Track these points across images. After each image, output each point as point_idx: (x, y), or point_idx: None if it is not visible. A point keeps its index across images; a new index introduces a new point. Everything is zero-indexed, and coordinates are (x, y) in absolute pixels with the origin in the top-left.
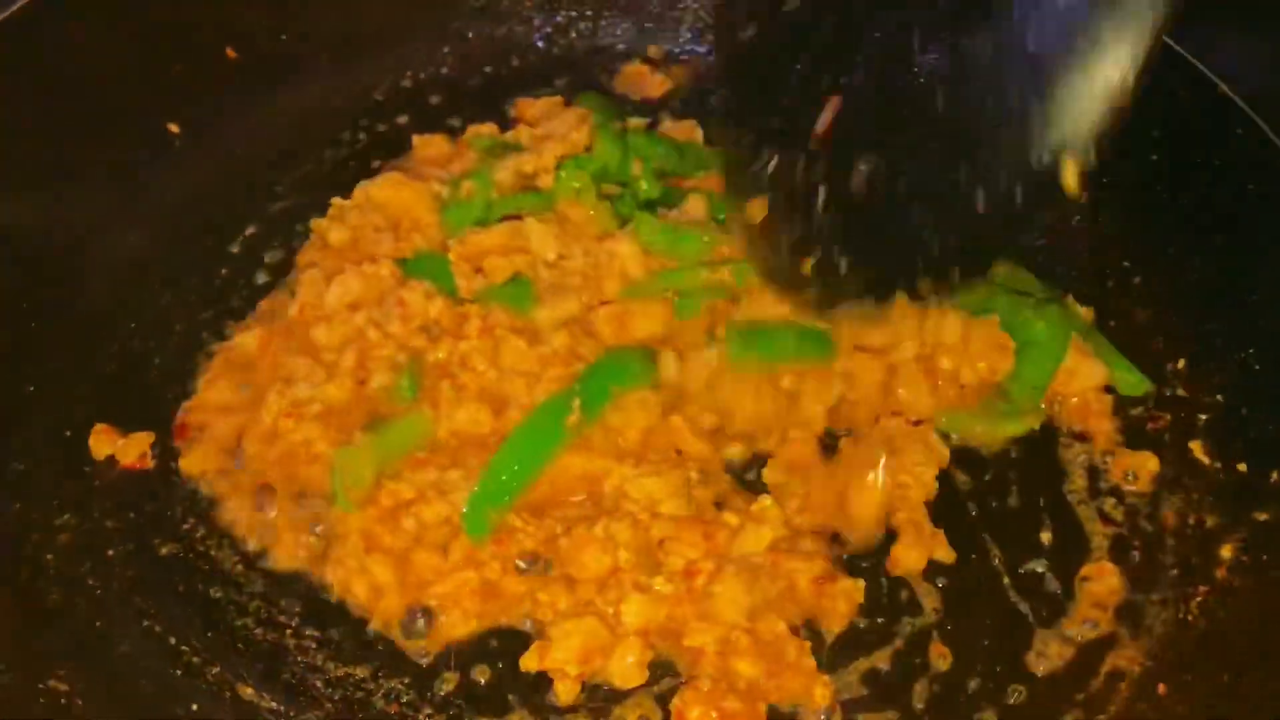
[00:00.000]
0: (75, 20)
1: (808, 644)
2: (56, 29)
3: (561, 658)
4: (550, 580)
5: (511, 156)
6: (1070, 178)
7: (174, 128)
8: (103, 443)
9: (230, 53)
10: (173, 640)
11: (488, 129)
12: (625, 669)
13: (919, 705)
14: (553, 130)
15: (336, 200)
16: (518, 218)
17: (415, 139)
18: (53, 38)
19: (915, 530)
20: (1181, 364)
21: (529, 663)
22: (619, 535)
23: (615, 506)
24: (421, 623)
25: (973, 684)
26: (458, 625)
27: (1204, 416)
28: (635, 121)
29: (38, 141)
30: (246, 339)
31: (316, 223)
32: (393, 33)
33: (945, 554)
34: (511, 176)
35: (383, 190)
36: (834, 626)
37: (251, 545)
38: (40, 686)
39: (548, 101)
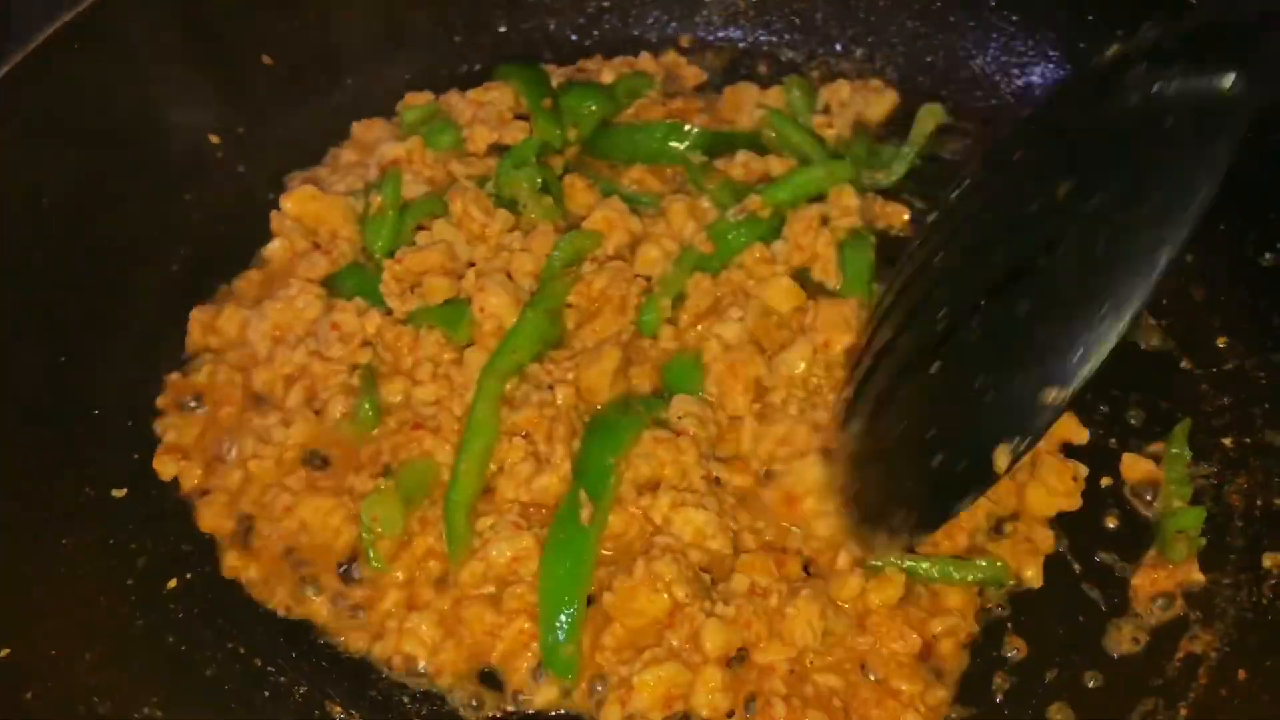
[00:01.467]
0: (115, 36)
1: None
2: (94, 49)
3: (646, 702)
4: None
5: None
6: (1001, 461)
7: (214, 139)
8: (167, 465)
9: (267, 59)
10: (258, 662)
11: (421, 98)
12: (711, 699)
13: (997, 698)
14: (487, 101)
15: (274, 214)
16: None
17: (354, 125)
18: (88, 60)
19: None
20: (1226, 341)
21: (611, 715)
22: (665, 574)
23: (648, 546)
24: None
25: (1049, 675)
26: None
27: (1265, 395)
28: (558, 74)
29: (81, 160)
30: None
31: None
32: (425, 30)
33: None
34: (426, 184)
35: (297, 204)
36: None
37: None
38: (135, 716)
39: None
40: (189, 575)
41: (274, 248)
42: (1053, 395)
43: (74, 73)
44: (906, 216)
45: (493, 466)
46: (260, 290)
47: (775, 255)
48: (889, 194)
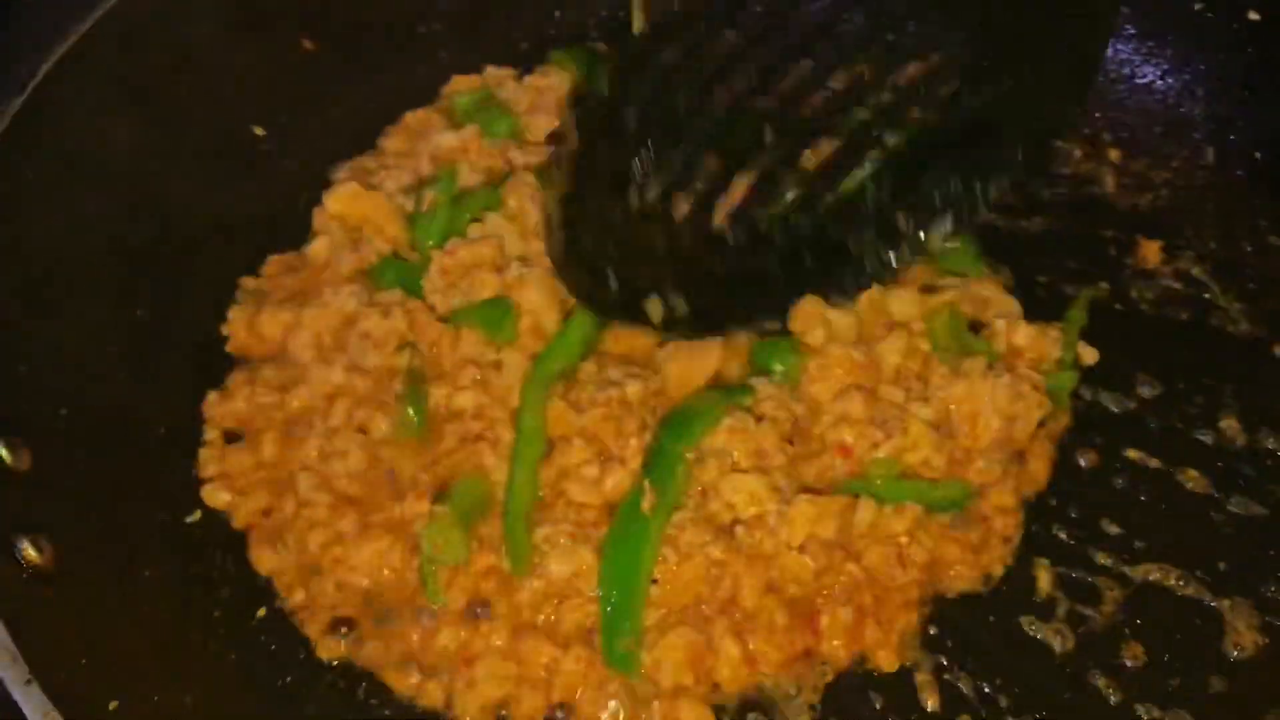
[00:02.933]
0: (151, 30)
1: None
2: (133, 43)
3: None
4: None
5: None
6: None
7: (259, 130)
8: (218, 495)
9: (307, 44)
10: (360, 695)
11: (468, 83)
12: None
13: (1114, 699)
14: (542, 88)
15: (316, 210)
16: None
17: (407, 115)
18: (126, 56)
19: None
20: None
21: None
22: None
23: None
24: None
25: (1173, 681)
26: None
27: None
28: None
29: (128, 158)
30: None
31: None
32: (467, 18)
33: None
34: (483, 174)
35: (339, 202)
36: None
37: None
38: None
39: None
40: (279, 605)
41: (316, 247)
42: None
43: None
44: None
45: (553, 472)
46: (302, 285)
47: None
48: None
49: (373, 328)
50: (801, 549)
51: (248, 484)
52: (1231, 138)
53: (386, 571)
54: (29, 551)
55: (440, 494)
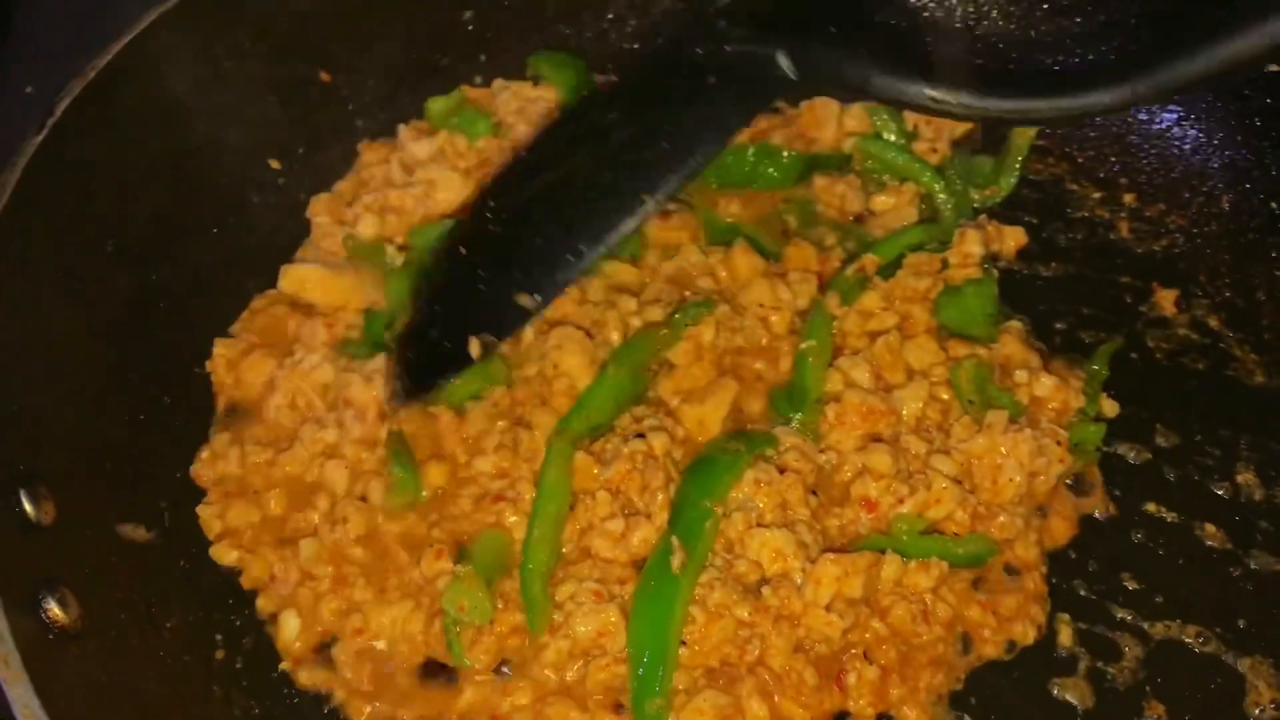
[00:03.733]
0: (165, 63)
1: None
2: (145, 81)
3: None
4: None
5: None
6: (474, 348)
7: (275, 164)
8: (225, 553)
9: (325, 76)
10: None
11: (440, 103)
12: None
13: None
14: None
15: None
16: None
17: (362, 146)
18: (141, 91)
19: None
20: None
21: None
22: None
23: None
24: None
25: None
26: None
27: None
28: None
29: (144, 199)
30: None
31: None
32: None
33: None
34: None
35: (293, 284)
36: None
37: None
38: None
39: None
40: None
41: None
42: (527, 300)
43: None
44: (1024, 239)
45: (580, 526)
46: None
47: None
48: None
49: (355, 396)
50: (828, 608)
51: (255, 542)
52: (1248, 186)
53: (406, 641)
54: (54, 610)
55: (460, 552)
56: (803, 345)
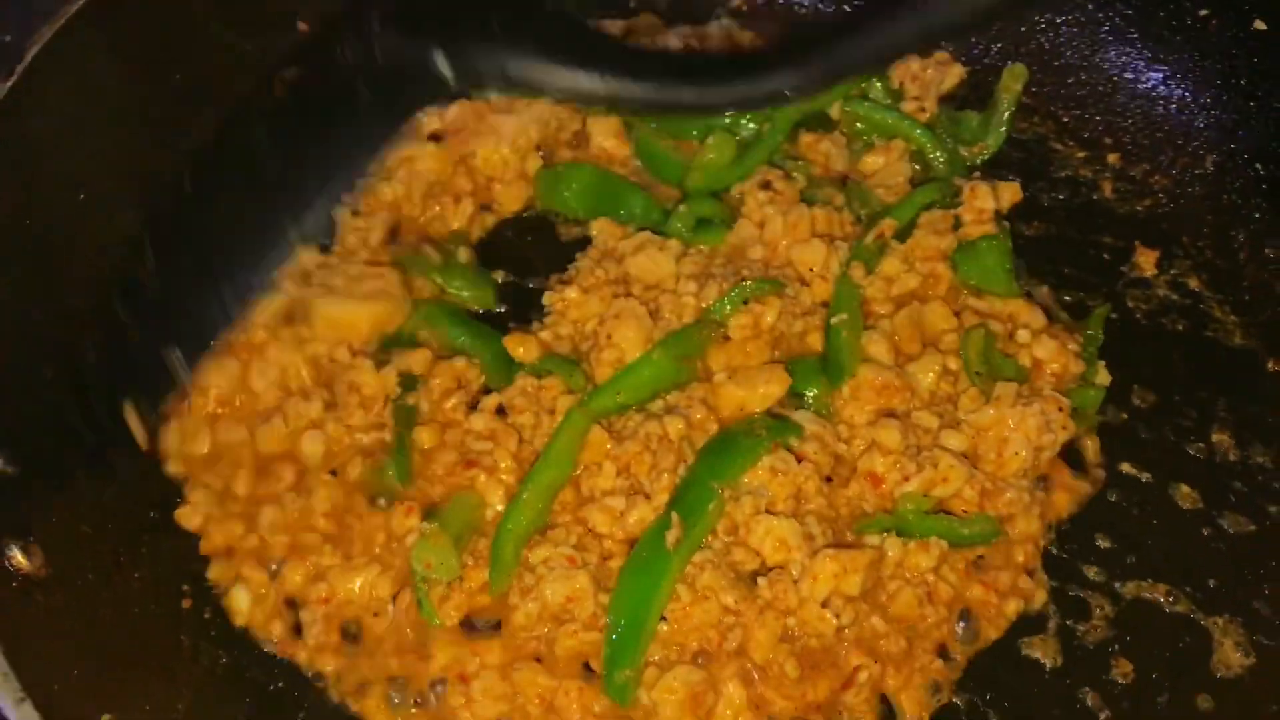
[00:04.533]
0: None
1: None
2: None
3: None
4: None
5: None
6: None
7: None
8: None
9: (303, 26)
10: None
11: None
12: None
13: (1103, 716)
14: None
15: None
16: None
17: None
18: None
19: None
20: None
21: None
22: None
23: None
24: None
25: (1161, 699)
26: None
27: None
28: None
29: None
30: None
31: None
32: None
33: None
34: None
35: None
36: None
37: None
38: None
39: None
40: None
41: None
42: (177, 364)
43: None
44: (1019, 195)
45: (574, 497)
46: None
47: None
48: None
49: (364, 383)
50: (825, 604)
51: (222, 513)
52: (1232, 147)
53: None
54: (18, 558)
55: (429, 512)
56: (833, 319)
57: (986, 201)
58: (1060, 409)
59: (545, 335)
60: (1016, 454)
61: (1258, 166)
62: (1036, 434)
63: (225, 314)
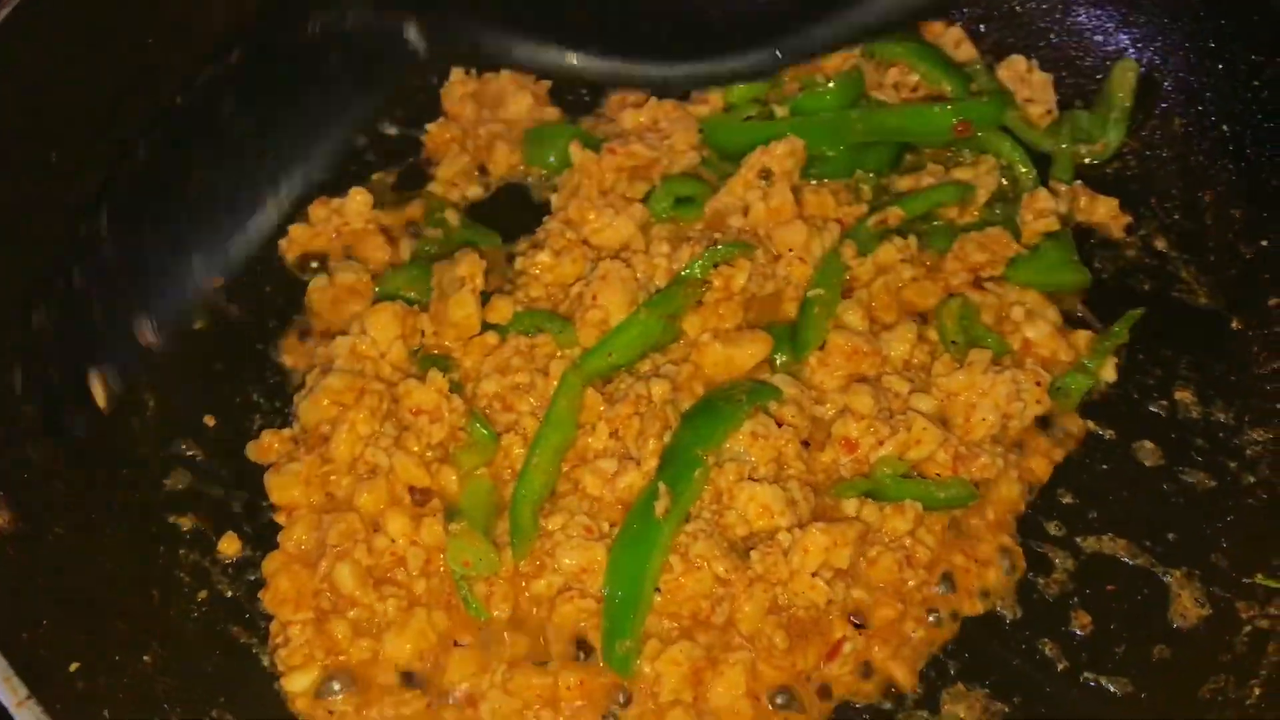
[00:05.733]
0: None
1: None
2: None
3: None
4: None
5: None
6: None
7: None
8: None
9: None
10: None
11: None
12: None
13: (1061, 667)
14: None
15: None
16: None
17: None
18: None
19: None
20: (1278, 301)
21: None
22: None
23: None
24: None
25: (1118, 650)
26: None
27: None
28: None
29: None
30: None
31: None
32: None
33: None
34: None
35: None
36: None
37: None
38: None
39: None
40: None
41: (316, 285)
42: (147, 332)
43: None
44: (1123, 220)
45: (571, 460)
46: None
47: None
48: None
49: (423, 401)
50: (814, 574)
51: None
52: (1200, 108)
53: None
54: None
55: (449, 513)
56: (810, 292)
57: (1046, 203)
58: (1038, 383)
59: (519, 297)
60: (984, 419)
61: (1224, 128)
62: (1005, 401)
63: (196, 283)
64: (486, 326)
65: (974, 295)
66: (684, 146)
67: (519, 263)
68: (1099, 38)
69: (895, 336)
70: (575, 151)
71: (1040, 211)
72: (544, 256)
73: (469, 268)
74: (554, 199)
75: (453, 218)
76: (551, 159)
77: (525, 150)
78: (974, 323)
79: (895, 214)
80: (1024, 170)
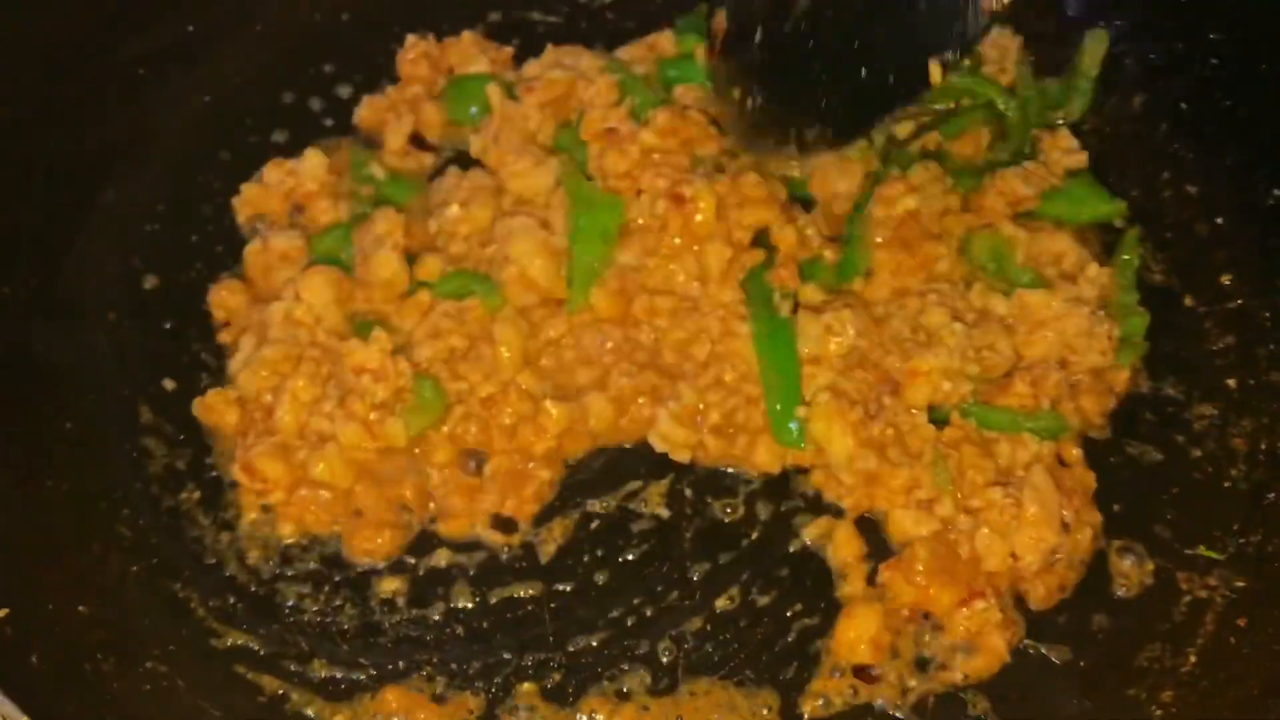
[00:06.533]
0: None
1: None
2: None
3: None
4: None
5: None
6: (935, 74)
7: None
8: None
9: None
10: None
11: None
12: None
13: None
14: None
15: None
16: None
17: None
18: None
19: None
20: (1230, 279)
21: None
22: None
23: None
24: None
25: (1060, 619)
26: None
27: (1270, 335)
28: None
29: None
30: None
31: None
32: None
33: None
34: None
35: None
36: None
37: None
38: (139, 671)
39: None
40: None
41: (252, 249)
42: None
43: None
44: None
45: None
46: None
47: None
48: None
49: (367, 359)
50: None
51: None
52: (1160, 86)
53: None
54: None
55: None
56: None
57: (1067, 141)
58: (1110, 336)
59: (447, 253)
60: (1044, 337)
61: (1184, 106)
62: (1074, 335)
63: None
64: (422, 285)
65: (1005, 228)
66: (593, 73)
67: (432, 224)
68: (1069, 13)
69: (934, 251)
70: (493, 94)
71: (1067, 149)
72: (453, 210)
73: (387, 225)
74: (472, 145)
75: (378, 171)
76: (473, 110)
77: (447, 106)
78: (1008, 258)
79: (932, 138)
80: (1013, 116)
